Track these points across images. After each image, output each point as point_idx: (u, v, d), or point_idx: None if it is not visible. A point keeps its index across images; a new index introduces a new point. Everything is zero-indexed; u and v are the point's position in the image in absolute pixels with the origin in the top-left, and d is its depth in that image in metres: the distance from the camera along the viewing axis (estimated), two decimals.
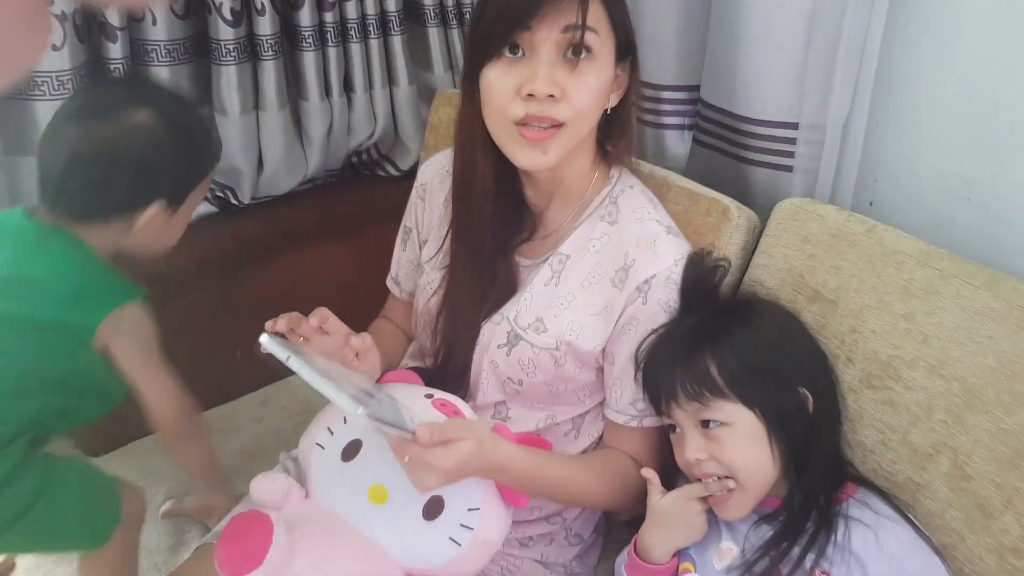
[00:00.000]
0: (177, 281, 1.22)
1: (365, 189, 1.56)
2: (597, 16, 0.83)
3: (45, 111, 1.12)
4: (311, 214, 1.48)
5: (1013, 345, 0.80)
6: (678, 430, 0.87)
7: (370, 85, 1.42)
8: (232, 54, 1.28)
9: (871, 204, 1.06)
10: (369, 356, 0.88)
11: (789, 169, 1.06)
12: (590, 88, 0.84)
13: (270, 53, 1.31)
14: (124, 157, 0.90)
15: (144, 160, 0.91)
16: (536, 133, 0.84)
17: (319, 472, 0.88)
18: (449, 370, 0.98)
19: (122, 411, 1.30)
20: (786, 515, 0.83)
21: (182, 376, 1.22)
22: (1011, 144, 0.92)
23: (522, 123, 0.84)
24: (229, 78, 1.29)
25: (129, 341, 0.97)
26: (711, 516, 0.88)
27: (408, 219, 1.10)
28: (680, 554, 0.87)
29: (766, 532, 0.83)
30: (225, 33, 1.27)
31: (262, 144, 1.38)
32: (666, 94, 1.18)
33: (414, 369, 0.99)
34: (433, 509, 0.82)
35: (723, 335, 0.86)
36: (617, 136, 0.93)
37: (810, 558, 0.79)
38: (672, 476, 0.92)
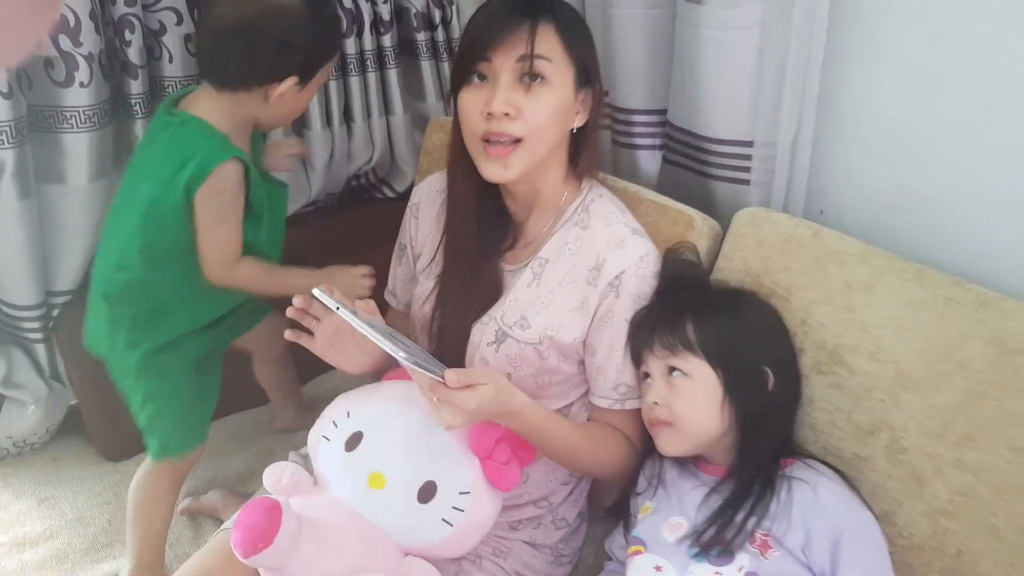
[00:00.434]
0: None
1: (364, 210, 1.65)
2: (550, 46, 0.96)
3: (73, 142, 1.23)
4: (314, 234, 1.57)
5: (938, 330, 0.91)
6: (649, 379, 0.96)
7: (368, 114, 1.53)
8: None
9: (822, 212, 1.17)
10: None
11: (747, 182, 1.17)
12: (543, 108, 0.96)
13: None
14: (269, 33, 1.03)
15: (285, 37, 1.03)
16: (498, 149, 0.96)
17: (325, 462, 0.96)
18: None
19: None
20: (734, 484, 0.90)
21: None
22: (933, 157, 1.04)
23: (486, 139, 0.96)
24: None
25: (207, 190, 1.05)
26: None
27: (403, 236, 1.20)
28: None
29: (716, 503, 0.90)
30: None
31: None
32: (638, 117, 1.29)
33: None
34: (427, 493, 0.90)
35: (706, 309, 0.96)
36: (585, 152, 1.05)
37: (752, 521, 0.86)
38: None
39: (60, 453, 1.43)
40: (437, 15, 1.46)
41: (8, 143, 1.17)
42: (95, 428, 1.41)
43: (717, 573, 0.84)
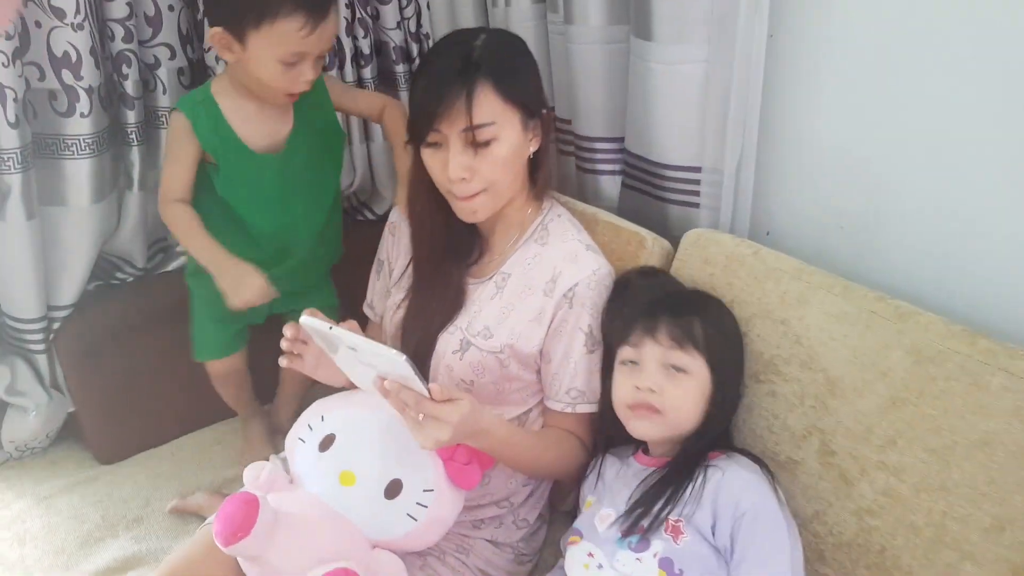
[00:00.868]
0: (181, 315, 1.40)
1: (345, 231, 1.69)
2: (490, 108, 1.00)
3: (74, 168, 1.31)
4: None
5: (863, 341, 0.98)
6: (634, 364, 0.98)
7: (349, 141, 1.58)
8: None
9: (768, 233, 1.25)
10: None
11: (697, 205, 1.25)
12: (496, 163, 1.03)
13: None
14: None
15: None
16: (465, 199, 1.05)
17: (300, 461, 1.03)
18: None
19: (133, 423, 1.48)
20: (661, 475, 0.95)
21: (192, 395, 1.43)
22: (871, 182, 1.11)
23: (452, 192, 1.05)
24: None
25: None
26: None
27: (381, 252, 1.29)
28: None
29: (639, 493, 0.95)
30: None
31: None
32: (599, 145, 1.37)
33: None
34: (393, 490, 0.97)
35: (707, 313, 1.02)
36: (540, 172, 1.13)
37: (667, 509, 0.90)
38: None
39: (58, 456, 1.50)
40: (415, 48, 1.54)
41: (15, 168, 1.24)
42: (91, 434, 1.48)
43: (637, 559, 0.90)
